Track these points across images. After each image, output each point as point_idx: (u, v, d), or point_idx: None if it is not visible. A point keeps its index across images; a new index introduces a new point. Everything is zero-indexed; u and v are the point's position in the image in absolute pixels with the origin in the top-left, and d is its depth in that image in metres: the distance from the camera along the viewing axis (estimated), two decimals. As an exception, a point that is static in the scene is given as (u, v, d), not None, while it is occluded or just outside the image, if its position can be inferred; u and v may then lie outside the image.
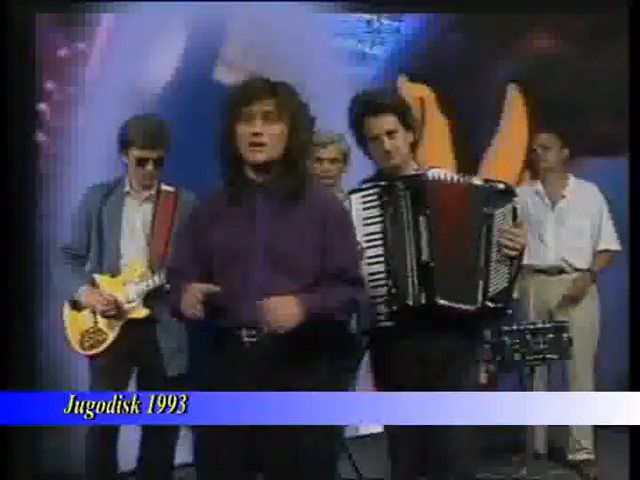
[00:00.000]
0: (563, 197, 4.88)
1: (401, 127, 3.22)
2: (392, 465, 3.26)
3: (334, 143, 4.19)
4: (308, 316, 2.63)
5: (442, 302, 3.06)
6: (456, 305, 3.08)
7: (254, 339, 2.72)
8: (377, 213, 3.12)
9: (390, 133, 3.21)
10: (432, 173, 3.18)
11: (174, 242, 2.93)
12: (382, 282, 3.09)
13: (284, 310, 2.61)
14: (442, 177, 3.16)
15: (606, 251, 4.85)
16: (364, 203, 3.15)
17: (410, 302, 3.07)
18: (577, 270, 4.81)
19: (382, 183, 3.17)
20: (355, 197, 3.18)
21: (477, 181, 3.20)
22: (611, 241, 4.85)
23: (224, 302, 2.71)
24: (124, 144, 3.76)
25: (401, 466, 3.23)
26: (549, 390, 4.83)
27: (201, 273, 2.75)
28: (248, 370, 2.72)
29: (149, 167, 3.75)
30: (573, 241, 4.82)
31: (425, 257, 3.07)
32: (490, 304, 3.12)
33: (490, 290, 3.12)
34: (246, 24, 5.34)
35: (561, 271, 4.81)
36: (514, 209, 3.17)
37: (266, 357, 2.72)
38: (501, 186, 3.17)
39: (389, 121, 3.21)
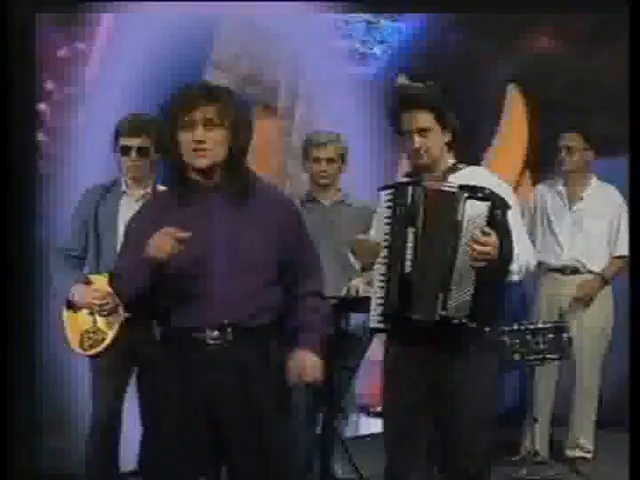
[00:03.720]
0: (581, 199, 4.84)
1: (437, 126, 3.12)
2: (388, 463, 3.21)
3: (330, 143, 4.19)
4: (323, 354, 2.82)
5: (414, 316, 3.00)
6: (414, 316, 3.00)
7: (219, 341, 2.73)
8: (389, 214, 3.07)
9: (422, 131, 3.11)
10: (426, 182, 3.07)
11: (121, 246, 2.88)
12: (381, 284, 3.06)
13: (311, 364, 2.78)
14: (433, 185, 3.05)
15: (623, 257, 4.73)
16: (384, 202, 3.10)
17: (389, 311, 3.04)
18: (590, 272, 4.78)
19: (396, 184, 3.14)
20: (381, 194, 3.13)
21: (450, 187, 3.03)
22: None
23: (185, 303, 2.72)
24: (115, 137, 3.80)
25: (401, 467, 3.18)
26: (557, 390, 4.84)
27: (152, 276, 2.70)
28: (213, 371, 2.73)
29: (132, 155, 3.76)
30: (588, 244, 4.78)
31: (407, 269, 3.01)
32: (447, 316, 2.96)
33: (449, 302, 2.96)
34: (238, 24, 5.35)
35: (575, 271, 4.79)
36: (490, 216, 2.95)
37: (232, 359, 2.74)
38: (478, 193, 2.96)
39: (423, 118, 3.10)
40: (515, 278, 3.12)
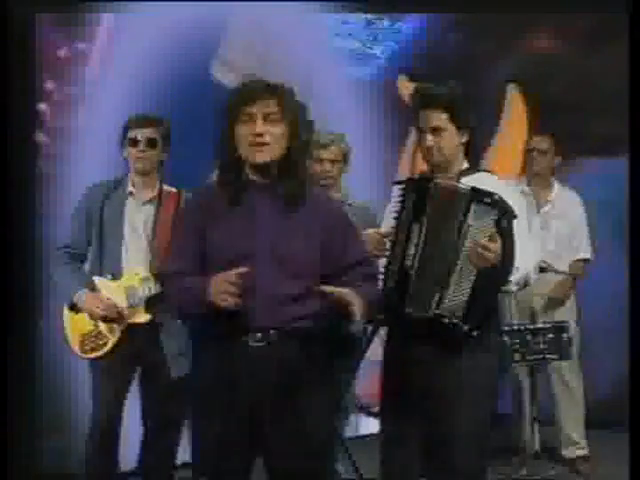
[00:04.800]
0: (548, 202, 4.91)
1: (452, 126, 3.10)
2: (383, 466, 3.22)
3: (334, 143, 4.19)
4: (365, 310, 2.68)
5: (408, 311, 3.00)
6: (408, 310, 3.00)
7: (261, 343, 2.70)
8: (398, 208, 3.06)
9: (436, 130, 3.10)
10: (437, 179, 3.07)
11: (172, 244, 2.86)
12: (380, 277, 3.04)
13: (352, 299, 2.64)
14: (444, 184, 3.05)
15: (583, 260, 4.93)
16: (395, 196, 3.10)
17: (385, 303, 3.02)
18: (556, 272, 4.82)
19: (408, 179, 3.13)
20: (394, 188, 3.13)
21: (461, 187, 3.03)
22: (589, 251, 4.93)
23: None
24: (123, 134, 3.78)
25: (394, 467, 3.18)
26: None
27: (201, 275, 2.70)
28: (255, 375, 2.70)
29: (141, 145, 3.74)
30: (554, 246, 4.85)
31: (408, 263, 3.01)
32: (441, 315, 2.96)
33: (445, 301, 2.96)
34: (246, 24, 5.35)
35: (541, 270, 4.82)
36: (497, 223, 2.94)
37: (274, 362, 2.71)
38: (487, 199, 2.96)
39: (437, 117, 3.09)
40: (514, 289, 3.12)
